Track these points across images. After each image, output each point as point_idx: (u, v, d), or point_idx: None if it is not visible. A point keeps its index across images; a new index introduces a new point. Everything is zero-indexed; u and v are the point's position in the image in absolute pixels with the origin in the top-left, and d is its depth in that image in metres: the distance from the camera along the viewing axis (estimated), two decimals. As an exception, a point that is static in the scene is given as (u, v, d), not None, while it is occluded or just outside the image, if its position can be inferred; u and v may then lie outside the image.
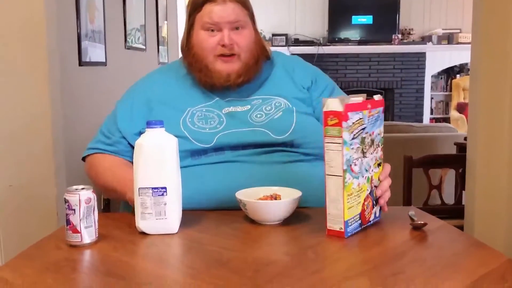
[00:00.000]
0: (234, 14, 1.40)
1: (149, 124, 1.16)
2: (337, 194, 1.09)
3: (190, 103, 1.45)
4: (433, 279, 0.90)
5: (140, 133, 1.40)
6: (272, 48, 1.59)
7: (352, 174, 1.10)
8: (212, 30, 1.41)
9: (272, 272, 0.94)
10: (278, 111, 1.43)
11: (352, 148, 1.09)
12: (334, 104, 1.07)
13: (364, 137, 1.13)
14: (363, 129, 1.13)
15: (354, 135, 1.10)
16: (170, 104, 1.46)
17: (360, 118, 1.11)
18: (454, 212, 2.45)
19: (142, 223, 1.14)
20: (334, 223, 1.10)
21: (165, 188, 1.12)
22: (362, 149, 1.13)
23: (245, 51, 1.44)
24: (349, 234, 1.10)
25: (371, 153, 1.16)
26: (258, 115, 1.43)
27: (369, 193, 1.17)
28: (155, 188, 1.12)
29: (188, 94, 1.47)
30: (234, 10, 1.40)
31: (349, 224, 1.10)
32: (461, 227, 2.20)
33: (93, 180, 1.47)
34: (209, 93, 1.46)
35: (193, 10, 1.44)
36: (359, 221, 1.14)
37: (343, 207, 1.08)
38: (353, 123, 1.09)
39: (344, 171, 1.08)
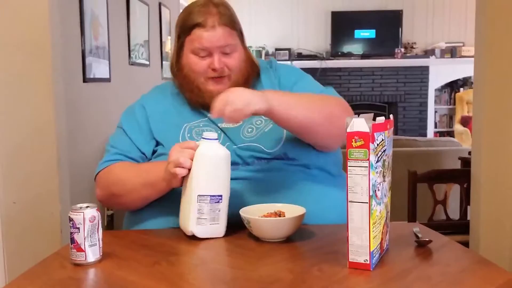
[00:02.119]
0: (223, 38, 1.41)
1: (206, 137, 1.23)
2: (362, 223, 0.99)
3: (186, 119, 1.46)
4: (439, 297, 0.89)
5: (155, 142, 1.44)
6: (299, 64, 1.58)
7: (377, 201, 1.02)
8: (202, 56, 1.42)
9: (277, 290, 0.93)
10: (268, 123, 1.43)
11: (377, 172, 1.01)
12: (359, 124, 0.98)
13: (385, 160, 1.06)
14: (384, 151, 1.05)
15: (378, 158, 1.02)
16: (166, 120, 1.47)
17: (383, 140, 1.04)
18: (459, 228, 2.44)
19: (197, 228, 1.21)
20: (357, 255, 1.01)
21: (221, 196, 1.22)
22: (383, 173, 1.06)
23: (236, 72, 1.45)
24: (373, 266, 1.02)
25: (388, 177, 1.11)
26: (249, 130, 1.43)
27: (385, 220, 1.11)
28: (212, 196, 1.21)
29: (182, 110, 1.49)
30: (223, 35, 1.41)
31: (374, 255, 1.02)
32: (466, 243, 2.19)
33: (114, 189, 1.40)
34: (202, 111, 1.47)
35: (182, 32, 1.44)
36: (379, 251, 1.06)
37: (369, 237, 1.00)
38: (378, 145, 1.01)
39: (371, 197, 0.99)
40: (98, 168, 1.46)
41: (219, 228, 1.23)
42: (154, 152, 1.45)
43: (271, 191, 1.34)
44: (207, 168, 1.21)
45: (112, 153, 1.46)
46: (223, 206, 1.22)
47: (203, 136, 1.24)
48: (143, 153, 1.45)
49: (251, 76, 1.49)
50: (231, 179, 1.27)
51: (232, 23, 1.43)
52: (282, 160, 1.39)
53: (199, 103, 1.46)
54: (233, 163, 1.36)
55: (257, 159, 1.38)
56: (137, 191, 1.36)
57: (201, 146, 1.23)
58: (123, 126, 1.51)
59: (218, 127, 1.43)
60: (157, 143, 1.46)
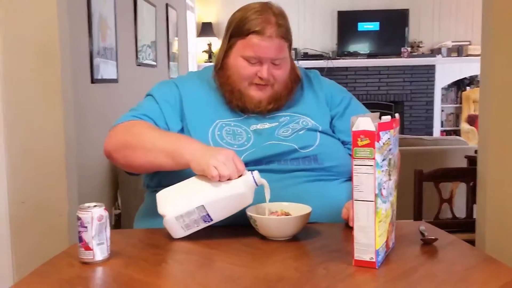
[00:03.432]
0: (277, 51, 1.41)
1: (254, 175, 1.21)
2: (368, 221, 1.00)
3: (219, 115, 1.45)
4: (444, 295, 0.90)
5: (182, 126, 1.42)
6: (306, 64, 1.59)
7: (382, 199, 1.02)
8: (252, 63, 1.42)
9: (283, 288, 0.94)
10: (303, 129, 1.44)
11: (383, 171, 1.02)
12: (365, 123, 0.99)
13: (390, 158, 1.06)
14: (390, 150, 1.05)
15: (384, 156, 1.02)
16: (200, 110, 1.45)
17: (388, 138, 1.04)
18: (465, 226, 2.44)
19: (169, 218, 1.20)
20: (363, 253, 1.01)
21: (212, 220, 1.22)
22: (389, 171, 1.06)
23: (280, 82, 1.46)
24: (379, 264, 1.03)
25: (394, 175, 1.11)
26: (284, 131, 1.44)
27: (391, 218, 1.11)
28: (208, 215, 1.20)
29: (218, 106, 1.47)
30: (278, 47, 1.41)
31: (379, 253, 1.02)
32: (472, 241, 2.19)
33: (133, 140, 1.33)
34: (237, 111, 1.47)
35: (236, 34, 1.43)
36: (385, 249, 1.07)
37: (375, 235, 1.00)
38: (384, 143, 1.01)
39: (376, 195, 1.00)
40: (119, 120, 1.41)
41: (181, 233, 1.21)
42: None
43: (285, 191, 1.32)
44: (230, 201, 1.20)
45: (138, 112, 1.41)
46: (202, 226, 1.21)
47: (253, 173, 1.21)
48: (169, 128, 1.42)
49: (294, 88, 1.50)
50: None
51: (287, 35, 1.44)
52: (310, 162, 1.39)
53: (237, 105, 1.46)
54: (258, 160, 1.36)
55: (284, 157, 1.38)
56: (153, 154, 1.29)
57: (242, 180, 1.20)
58: (154, 95, 1.48)
59: (249, 129, 1.43)
60: (182, 129, 1.43)
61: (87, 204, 1.10)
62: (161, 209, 1.22)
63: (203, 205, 1.19)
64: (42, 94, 2.06)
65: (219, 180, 1.18)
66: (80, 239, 1.08)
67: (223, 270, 1.05)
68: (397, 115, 1.16)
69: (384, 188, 1.03)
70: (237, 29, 1.42)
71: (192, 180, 1.24)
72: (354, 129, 1.00)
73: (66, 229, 2.06)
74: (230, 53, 1.45)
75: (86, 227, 1.07)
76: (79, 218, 1.08)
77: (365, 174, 0.99)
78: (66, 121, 2.10)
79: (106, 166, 3.11)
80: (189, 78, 1.57)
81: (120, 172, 3.11)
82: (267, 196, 1.24)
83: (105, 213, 1.09)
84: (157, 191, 1.28)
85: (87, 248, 1.07)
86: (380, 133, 1.00)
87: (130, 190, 3.06)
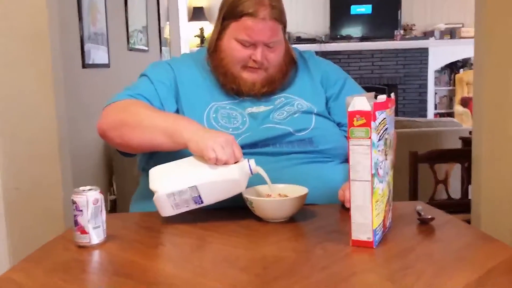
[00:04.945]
0: (271, 34, 1.39)
1: (250, 164, 1.20)
2: (365, 201, 1.00)
3: (214, 97, 1.44)
4: (442, 273, 0.90)
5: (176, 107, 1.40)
6: (299, 48, 1.59)
7: (379, 179, 1.02)
8: (246, 45, 1.40)
9: (280, 269, 0.94)
10: (298, 111, 1.43)
11: (379, 151, 1.01)
12: (361, 102, 0.98)
13: (386, 138, 1.06)
14: (386, 129, 1.05)
15: (380, 136, 1.01)
16: (195, 92, 1.44)
17: (384, 118, 1.04)
18: (460, 207, 2.44)
19: (160, 194, 1.18)
20: (360, 233, 1.01)
21: (203, 202, 1.20)
22: (385, 151, 1.05)
23: (274, 65, 1.44)
24: (376, 243, 1.03)
25: (390, 155, 1.11)
26: (279, 114, 1.43)
27: (388, 198, 1.11)
28: (200, 197, 1.19)
29: (213, 89, 1.46)
30: (271, 30, 1.39)
31: (377, 232, 1.02)
32: (468, 221, 2.20)
33: (130, 118, 1.31)
34: (231, 94, 1.46)
35: (229, 16, 1.41)
36: (382, 229, 1.07)
37: (372, 215, 1.00)
38: (379, 123, 1.01)
39: (373, 175, 0.99)
40: (113, 99, 1.38)
41: (170, 211, 1.20)
42: None
43: (282, 177, 1.31)
44: (223, 185, 1.19)
45: (134, 92, 1.38)
46: (192, 207, 1.20)
47: (250, 161, 1.20)
48: (164, 109, 1.40)
49: (288, 71, 1.49)
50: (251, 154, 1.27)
51: (281, 17, 1.42)
52: (305, 145, 1.39)
53: (231, 88, 1.44)
54: (254, 144, 1.35)
55: (279, 141, 1.38)
56: (151, 132, 1.27)
57: (238, 167, 1.19)
58: (149, 75, 1.46)
59: (244, 112, 1.42)
60: (177, 110, 1.42)
61: (82, 188, 1.09)
62: (153, 185, 1.21)
63: (196, 186, 1.18)
64: (34, 80, 2.04)
65: (216, 164, 1.18)
66: (76, 223, 1.07)
67: (220, 251, 1.05)
68: (392, 94, 1.15)
69: (380, 168, 1.03)
70: (230, 11, 1.41)
71: (188, 160, 1.23)
72: (350, 109, 0.99)
73: (62, 214, 2.05)
74: (223, 35, 1.44)
75: (81, 210, 1.06)
76: (74, 202, 1.07)
77: (362, 154, 0.99)
78: (58, 106, 2.08)
79: (100, 151, 3.09)
80: (183, 59, 1.56)
81: (115, 157, 3.09)
82: (268, 181, 1.23)
83: (100, 196, 1.09)
84: None
85: (83, 231, 1.07)
86: (376, 112, 0.99)
87: (126, 175, 3.04)
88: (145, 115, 1.30)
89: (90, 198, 1.07)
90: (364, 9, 7.18)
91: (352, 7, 7.17)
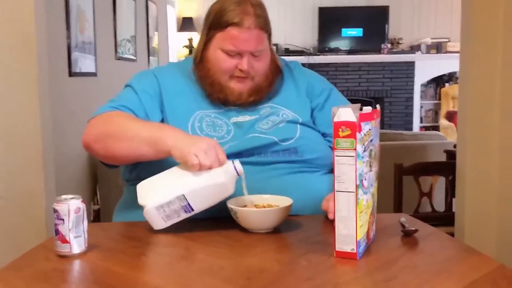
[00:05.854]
0: (256, 42, 1.39)
1: (236, 166, 1.20)
2: (349, 212, 1.00)
3: (200, 106, 1.44)
4: (425, 284, 0.90)
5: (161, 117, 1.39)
6: (289, 59, 1.60)
7: (363, 190, 1.02)
8: (232, 55, 1.40)
9: (265, 280, 0.93)
10: (283, 121, 1.43)
11: (364, 162, 1.02)
12: (346, 113, 0.98)
13: (371, 149, 1.06)
14: (371, 140, 1.05)
15: (365, 147, 1.02)
16: (180, 100, 1.43)
17: (369, 129, 1.04)
18: (444, 219, 2.46)
19: (149, 208, 1.18)
20: (344, 244, 1.01)
21: (193, 210, 1.20)
22: (370, 163, 1.06)
23: (260, 74, 1.45)
24: (360, 255, 1.02)
25: (375, 167, 1.11)
26: (264, 123, 1.43)
27: (372, 210, 1.11)
28: (189, 205, 1.18)
29: (199, 98, 1.46)
30: (257, 38, 1.39)
31: (361, 244, 1.02)
32: (451, 234, 2.20)
33: (114, 130, 1.31)
34: (217, 104, 1.45)
35: (215, 26, 1.41)
36: (366, 240, 1.06)
37: (356, 226, 1.00)
38: (365, 134, 1.01)
39: (357, 186, 0.99)
40: (97, 111, 1.38)
41: (162, 224, 1.19)
42: None
43: (267, 187, 1.31)
44: (210, 190, 1.18)
45: (117, 104, 1.38)
46: (183, 216, 1.20)
47: (234, 162, 1.20)
48: (149, 119, 1.39)
49: (274, 79, 1.49)
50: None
51: (266, 26, 1.42)
52: (290, 155, 1.39)
53: (218, 98, 1.44)
54: (239, 153, 1.34)
55: (264, 150, 1.37)
56: (135, 143, 1.26)
57: (223, 170, 1.18)
58: (133, 85, 1.45)
59: (229, 121, 1.42)
60: (162, 120, 1.41)
61: (64, 196, 1.07)
62: (141, 200, 1.20)
63: (183, 194, 1.17)
64: (19, 87, 2.02)
65: (200, 169, 1.17)
66: (57, 232, 1.05)
67: (204, 262, 1.04)
68: (378, 106, 1.16)
69: (365, 179, 1.03)
70: (216, 21, 1.41)
71: (173, 170, 1.23)
72: (335, 119, 0.99)
73: (44, 223, 2.03)
74: (209, 45, 1.44)
75: (62, 219, 1.05)
76: (55, 211, 1.05)
77: (346, 165, 0.99)
78: (43, 114, 2.07)
79: (85, 161, 3.07)
80: (168, 68, 1.55)
81: (99, 167, 3.07)
82: (245, 186, 1.23)
83: (82, 205, 1.07)
84: (136, 184, 1.26)
85: (64, 240, 1.05)
86: (361, 123, 1.00)
87: (110, 185, 3.02)
88: (128, 126, 1.30)
89: (72, 206, 1.05)
90: (355, 32, 7.24)
91: (343, 30, 7.22)
